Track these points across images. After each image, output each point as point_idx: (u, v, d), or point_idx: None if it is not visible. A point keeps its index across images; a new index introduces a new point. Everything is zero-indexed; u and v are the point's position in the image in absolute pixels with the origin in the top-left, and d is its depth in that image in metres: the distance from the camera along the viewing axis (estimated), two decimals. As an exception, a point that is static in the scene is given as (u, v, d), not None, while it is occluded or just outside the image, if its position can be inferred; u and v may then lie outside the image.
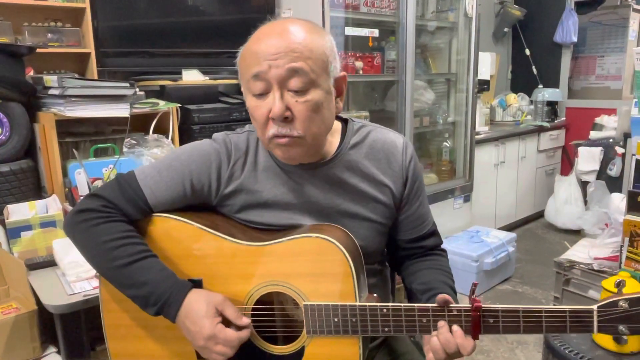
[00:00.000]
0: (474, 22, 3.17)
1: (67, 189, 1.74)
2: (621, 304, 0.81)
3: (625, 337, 0.83)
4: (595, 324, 0.82)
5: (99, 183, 1.72)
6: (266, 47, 0.87)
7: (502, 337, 2.44)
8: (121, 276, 0.92)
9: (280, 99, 0.88)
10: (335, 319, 0.90)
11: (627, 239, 1.75)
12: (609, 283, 1.42)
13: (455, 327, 0.86)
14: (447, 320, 0.87)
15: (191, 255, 0.98)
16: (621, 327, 0.82)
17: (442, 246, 1.14)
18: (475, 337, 0.86)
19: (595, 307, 0.82)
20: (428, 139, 3.44)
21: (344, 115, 1.06)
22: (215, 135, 1.05)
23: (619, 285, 0.85)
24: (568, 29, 4.10)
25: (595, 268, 2.08)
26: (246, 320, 0.92)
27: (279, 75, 0.87)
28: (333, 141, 1.03)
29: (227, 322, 0.91)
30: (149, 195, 0.98)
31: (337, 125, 1.05)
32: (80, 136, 1.93)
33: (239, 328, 0.91)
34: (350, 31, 2.62)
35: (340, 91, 0.97)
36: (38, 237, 1.54)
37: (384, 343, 1.13)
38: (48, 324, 1.41)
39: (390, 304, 0.89)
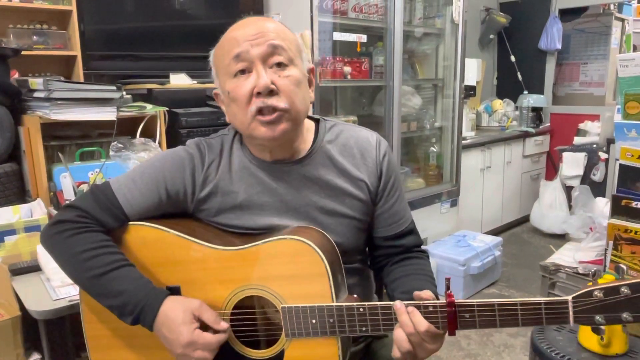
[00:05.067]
0: (460, 29, 3.20)
1: (52, 193, 1.71)
2: (596, 293, 0.80)
3: (603, 328, 0.81)
4: (571, 315, 0.81)
5: (84, 187, 1.70)
6: (244, 31, 0.93)
7: (489, 341, 2.46)
8: (97, 286, 0.92)
9: (265, 73, 0.91)
10: (313, 321, 0.90)
11: (611, 242, 1.77)
12: (594, 286, 1.44)
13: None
14: (422, 316, 0.86)
15: (168, 262, 0.97)
16: (597, 318, 0.81)
17: (429, 251, 1.14)
18: (452, 333, 0.86)
19: (569, 297, 0.81)
20: (415, 144, 3.46)
21: (315, 115, 1.09)
22: (188, 141, 1.06)
23: (594, 275, 0.84)
24: (552, 36, 4.16)
25: (580, 271, 2.10)
26: (225, 325, 0.92)
27: (261, 51, 0.91)
28: (307, 138, 1.04)
29: (205, 328, 0.91)
30: (124, 204, 0.98)
31: (310, 124, 1.06)
32: (65, 139, 1.90)
33: (217, 332, 0.91)
34: (339, 36, 2.64)
35: (310, 82, 1.02)
36: (22, 242, 1.51)
37: (368, 348, 1.12)
38: (32, 330, 1.38)
39: (367, 303, 0.89)
